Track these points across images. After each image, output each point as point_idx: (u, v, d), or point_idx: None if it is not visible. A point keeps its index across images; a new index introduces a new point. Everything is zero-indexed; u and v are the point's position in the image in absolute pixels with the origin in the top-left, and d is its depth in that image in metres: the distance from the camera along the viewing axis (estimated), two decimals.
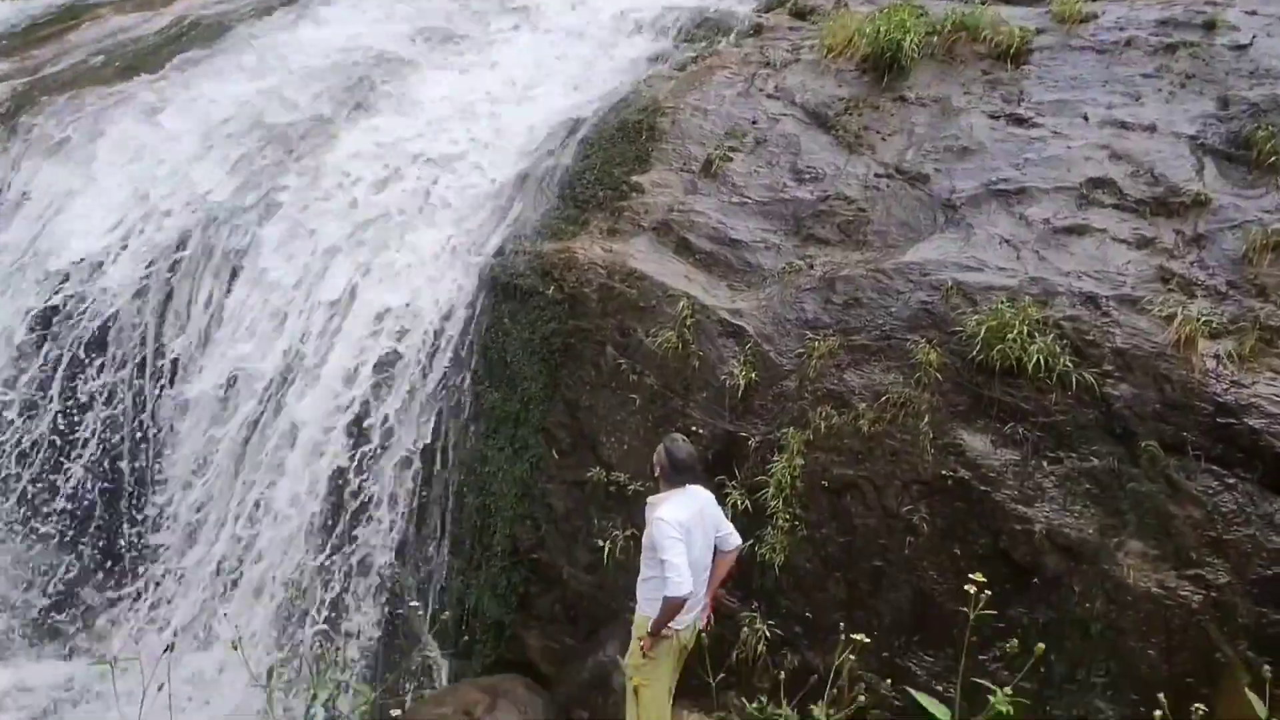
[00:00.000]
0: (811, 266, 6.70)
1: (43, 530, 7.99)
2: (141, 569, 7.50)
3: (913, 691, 1.94)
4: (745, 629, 5.91)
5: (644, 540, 5.15)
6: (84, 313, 8.01)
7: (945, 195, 6.90)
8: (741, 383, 6.20)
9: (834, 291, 6.45)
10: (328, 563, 6.75)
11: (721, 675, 5.89)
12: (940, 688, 5.71)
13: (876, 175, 7.19)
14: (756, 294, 6.64)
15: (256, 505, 6.84)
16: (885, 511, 5.89)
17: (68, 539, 7.94)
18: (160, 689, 2.22)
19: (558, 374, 6.60)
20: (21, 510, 8.16)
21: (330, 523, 6.81)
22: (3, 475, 8.12)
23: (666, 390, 6.38)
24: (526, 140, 8.03)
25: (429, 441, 6.86)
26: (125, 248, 8.04)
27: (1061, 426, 5.74)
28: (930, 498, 5.82)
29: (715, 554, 5.24)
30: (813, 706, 5.13)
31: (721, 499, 6.02)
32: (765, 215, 7.10)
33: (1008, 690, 2.25)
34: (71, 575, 7.81)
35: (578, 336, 6.60)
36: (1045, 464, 5.73)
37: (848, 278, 6.48)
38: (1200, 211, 6.44)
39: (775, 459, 6.02)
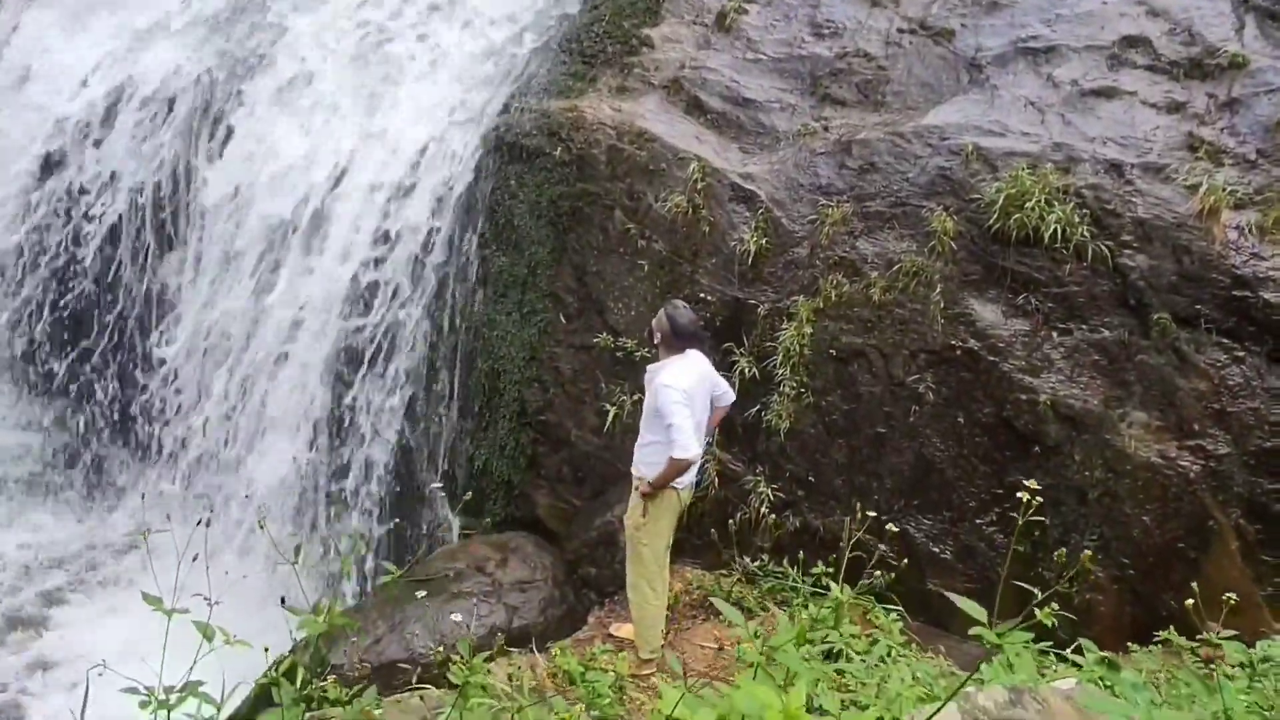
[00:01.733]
0: (827, 129, 6.47)
1: (56, 382, 8.09)
2: (153, 423, 7.62)
3: (951, 595, 1.96)
4: (749, 491, 6.06)
5: (645, 405, 5.20)
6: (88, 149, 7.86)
7: (970, 53, 6.58)
8: (752, 249, 6.11)
9: (849, 156, 6.25)
10: (339, 424, 6.85)
11: (724, 534, 6.12)
12: (936, 549, 5.91)
13: (899, 30, 6.84)
14: (769, 157, 6.44)
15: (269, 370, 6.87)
16: (891, 380, 5.91)
17: (81, 389, 8.04)
18: (195, 559, 2.29)
19: (565, 238, 6.48)
20: (32, 364, 8.24)
21: (342, 383, 6.87)
22: (12, 325, 8.15)
23: (675, 256, 6.29)
24: None
25: (436, 305, 6.82)
26: (120, 90, 7.75)
27: (1074, 297, 5.69)
28: (937, 367, 5.84)
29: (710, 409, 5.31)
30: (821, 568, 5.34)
31: (729, 366, 6.06)
32: (780, 73, 6.80)
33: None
34: (84, 429, 7.95)
35: (586, 200, 6.45)
36: (1055, 335, 5.71)
37: (864, 141, 6.27)
38: (1236, 74, 6.15)
39: (784, 327, 6.00)
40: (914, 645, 5.37)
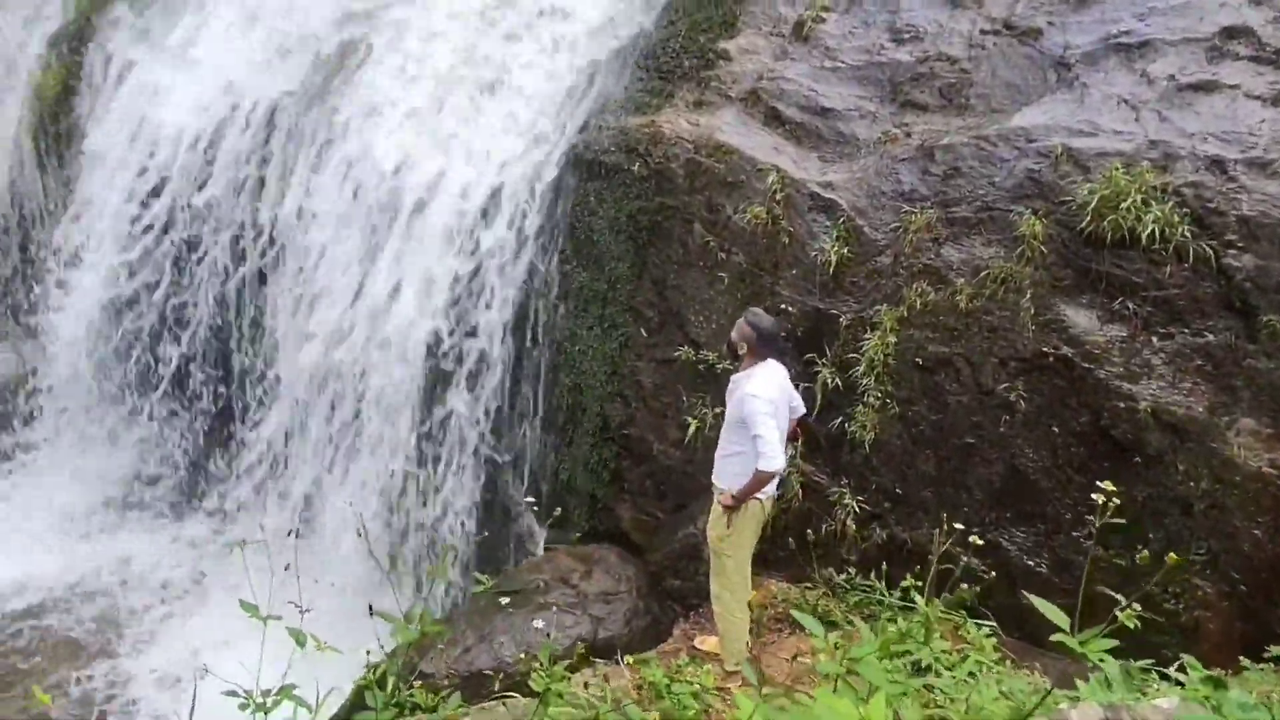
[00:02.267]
0: (909, 135, 6.37)
1: (168, 407, 8.54)
2: (255, 446, 7.96)
3: (1030, 597, 1.92)
4: (834, 503, 5.98)
5: (728, 415, 5.20)
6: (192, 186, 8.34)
7: (1058, 52, 6.39)
8: (833, 259, 6.05)
9: (933, 161, 6.14)
10: (426, 440, 7.04)
11: (808, 547, 6.05)
12: (1031, 562, 5.72)
13: (983, 32, 6.69)
14: (849, 166, 6.38)
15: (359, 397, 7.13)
16: (980, 389, 5.77)
17: (189, 414, 8.48)
18: (286, 568, 2.40)
19: (645, 252, 6.54)
20: (146, 387, 8.72)
21: (428, 401, 7.06)
22: (125, 349, 8.65)
23: (755, 268, 6.28)
24: (609, 6, 7.71)
25: (519, 321, 6.96)
26: (218, 126, 8.19)
27: (1175, 301, 5.46)
28: (1028, 375, 5.67)
29: None
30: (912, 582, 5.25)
31: (811, 376, 6.01)
32: (860, 80, 6.73)
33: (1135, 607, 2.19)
34: (194, 453, 8.37)
35: (665, 214, 6.49)
36: (1155, 340, 5.48)
37: (948, 146, 6.15)
38: None
39: (867, 336, 5.92)
40: (1008, 662, 5.21)
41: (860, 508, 5.93)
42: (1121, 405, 5.45)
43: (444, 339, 7.01)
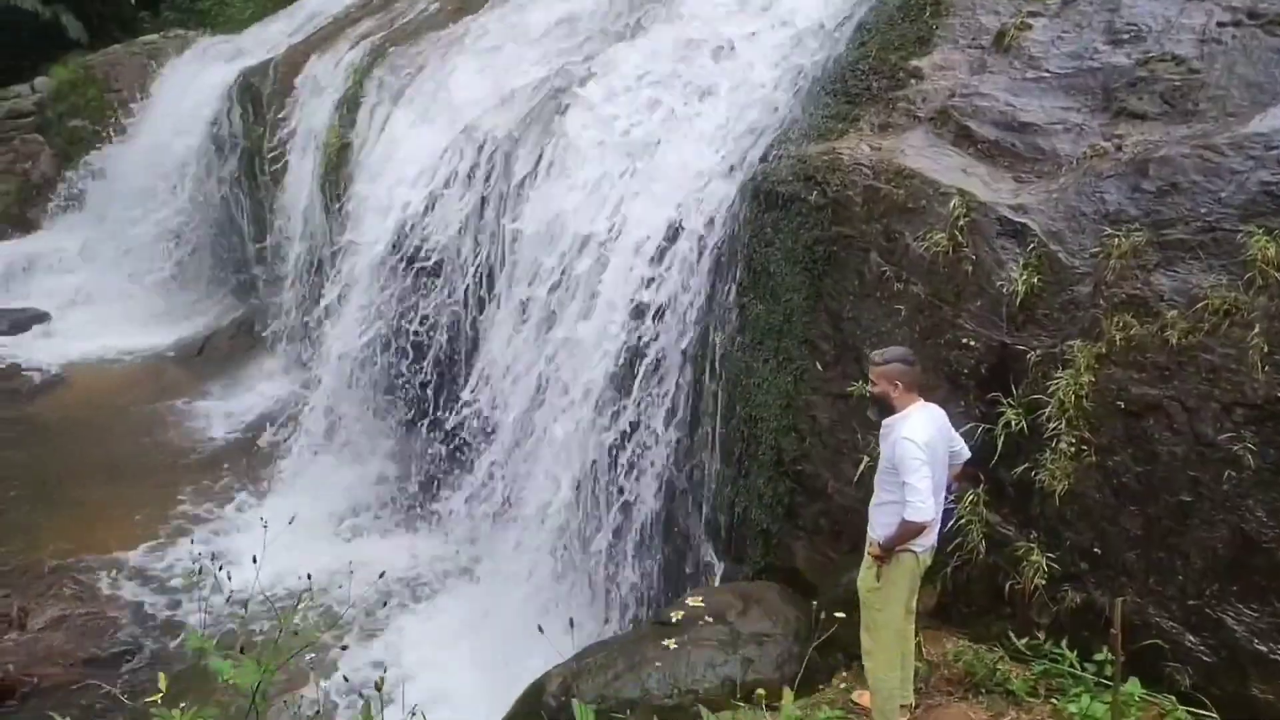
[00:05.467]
0: (1120, 148, 5.66)
1: (410, 425, 9.54)
2: (472, 462, 8.67)
3: None
4: (1021, 559, 5.42)
5: (881, 461, 4.91)
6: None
7: None
8: (1021, 289, 5.50)
9: (1145, 177, 5.41)
10: (613, 464, 7.28)
11: (993, 605, 5.53)
12: (1264, 648, 4.84)
13: (1219, 25, 5.80)
14: (1047, 185, 5.78)
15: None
16: (1198, 438, 4.97)
17: (421, 431, 9.41)
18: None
19: (820, 284, 6.33)
20: (392, 406, 9.80)
21: (611, 434, 7.31)
22: (376, 372, 9.79)
23: (935, 299, 5.86)
24: (801, 32, 7.59)
25: (697, 354, 7.01)
26: (449, 177, 9.10)
27: None
28: (1260, 424, 4.81)
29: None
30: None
31: (994, 418, 5.51)
32: (1066, 90, 6.09)
33: None
34: (430, 469, 9.30)
35: (841, 244, 6.25)
36: None
37: (1165, 159, 5.39)
38: None
39: (1059, 374, 5.32)
40: None
41: (1051, 566, 5.32)
42: None
43: (629, 365, 7.22)
